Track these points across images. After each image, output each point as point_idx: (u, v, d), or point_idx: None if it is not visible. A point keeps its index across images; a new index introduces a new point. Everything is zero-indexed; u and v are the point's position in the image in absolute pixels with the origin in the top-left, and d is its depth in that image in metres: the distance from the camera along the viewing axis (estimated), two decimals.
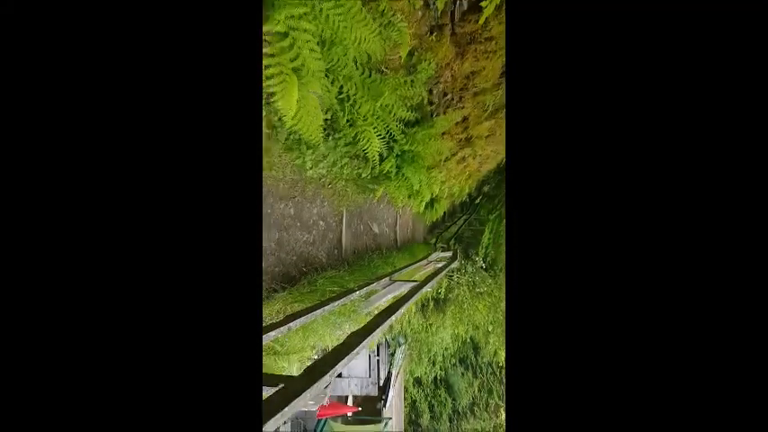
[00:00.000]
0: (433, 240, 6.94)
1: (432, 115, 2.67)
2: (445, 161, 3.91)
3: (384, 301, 2.52)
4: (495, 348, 6.22)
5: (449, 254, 5.17)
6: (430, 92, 2.56)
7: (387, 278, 2.59)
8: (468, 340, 8.05)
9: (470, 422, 13.68)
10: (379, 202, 3.56)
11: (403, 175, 2.63)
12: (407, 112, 2.27)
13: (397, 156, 2.47)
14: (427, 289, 2.56)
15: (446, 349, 7.68)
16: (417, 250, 4.71)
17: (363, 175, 2.64)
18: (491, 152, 4.62)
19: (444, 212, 9.14)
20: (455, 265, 3.89)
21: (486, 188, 6.77)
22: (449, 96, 2.72)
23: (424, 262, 3.95)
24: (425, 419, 13.05)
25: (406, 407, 12.14)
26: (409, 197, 3.75)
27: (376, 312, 2.50)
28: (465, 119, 3.13)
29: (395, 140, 2.34)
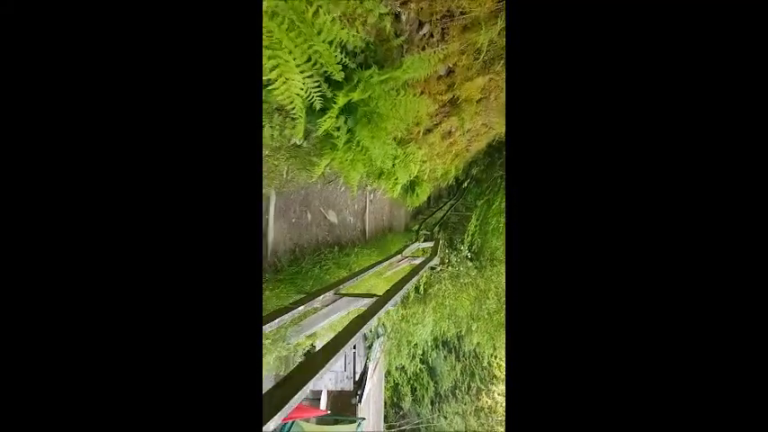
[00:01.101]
0: (416, 227, 6.09)
1: (400, 54, 1.74)
2: (425, 133, 3.00)
3: (321, 327, 1.65)
4: (478, 341, 5.50)
5: (431, 244, 4.32)
6: (396, 17, 1.62)
7: (331, 291, 1.72)
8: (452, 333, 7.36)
9: (452, 405, 13.36)
10: (337, 183, 2.64)
11: (358, 143, 1.72)
12: (355, 36, 1.34)
13: (345, 111, 1.55)
14: (389, 307, 1.69)
15: (427, 342, 7.00)
16: (391, 243, 3.82)
17: (296, 142, 1.75)
18: (482, 126, 3.72)
19: (429, 197, 8.32)
20: (435, 262, 3.04)
21: (474, 171, 5.87)
22: (426, 31, 1.79)
23: (397, 258, 3.08)
24: (407, 402, 12.67)
25: (388, 389, 11.67)
26: (380, 177, 2.85)
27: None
28: (450, 71, 2.21)
29: (335, 84, 1.42)
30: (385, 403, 11.27)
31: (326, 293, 1.70)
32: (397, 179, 2.99)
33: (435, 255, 3.10)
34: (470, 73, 2.26)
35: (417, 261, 3.12)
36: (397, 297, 1.79)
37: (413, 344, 6.38)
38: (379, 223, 4.12)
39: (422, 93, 2.30)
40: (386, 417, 11.76)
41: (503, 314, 4.78)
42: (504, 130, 3.91)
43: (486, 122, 3.44)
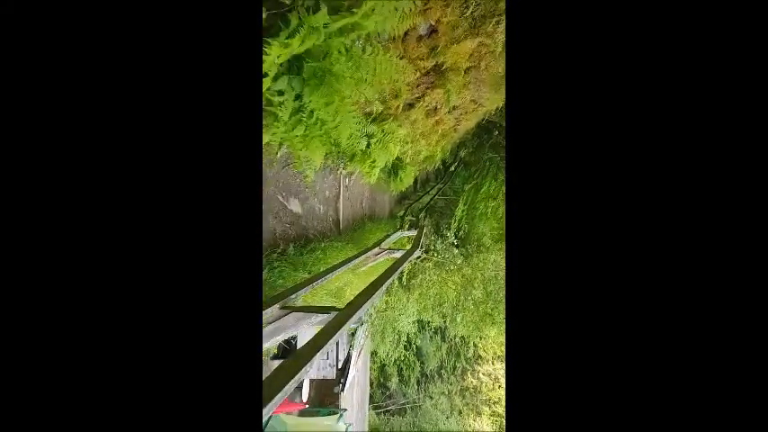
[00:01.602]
0: (401, 213, 5.72)
1: None
2: (407, 109, 2.58)
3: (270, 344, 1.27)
4: (463, 334, 5.25)
5: (416, 232, 3.96)
6: None
7: (276, 305, 1.33)
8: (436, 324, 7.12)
9: (438, 385, 13.42)
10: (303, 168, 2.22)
11: (311, 114, 1.30)
12: None
13: (291, 71, 1.12)
14: (352, 324, 1.33)
15: (411, 329, 6.74)
16: (371, 233, 3.43)
17: None
18: (470, 102, 3.31)
19: (416, 181, 7.92)
20: (417, 254, 2.67)
21: (462, 153, 5.48)
22: None
23: (375, 251, 2.70)
24: (393, 383, 12.65)
25: (374, 370, 11.59)
26: (352, 159, 2.44)
27: None
28: (432, 30, 1.78)
29: (267, 30, 0.99)
30: (371, 384, 11.20)
31: (272, 307, 1.31)
32: (374, 162, 2.58)
33: (417, 246, 2.73)
34: (456, 34, 1.84)
35: (397, 254, 2.75)
36: (368, 305, 1.43)
37: (396, 331, 6.12)
38: (358, 211, 3.72)
39: (401, 57, 1.88)
40: (372, 397, 11.74)
41: (489, 304, 4.48)
42: (495, 106, 3.50)
43: (476, 98, 3.02)
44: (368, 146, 2.31)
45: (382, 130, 2.43)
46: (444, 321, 5.42)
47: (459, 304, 4.44)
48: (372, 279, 1.72)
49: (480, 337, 5.82)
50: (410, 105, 2.55)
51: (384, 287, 1.85)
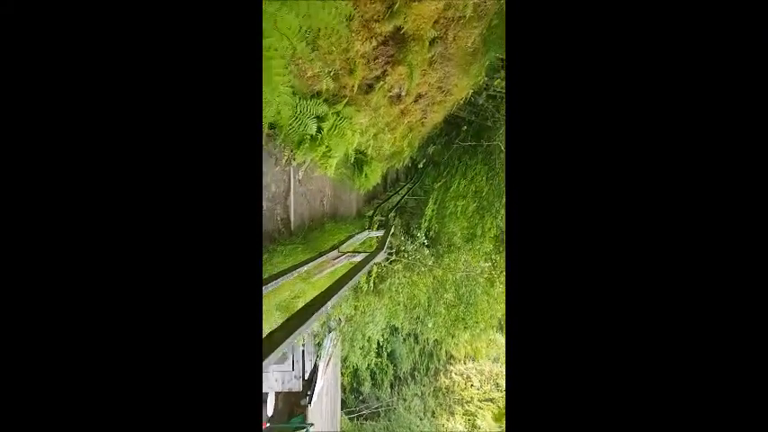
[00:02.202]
0: (370, 213, 5.34)
1: None
2: (366, 91, 2.21)
3: None
4: (435, 338, 4.94)
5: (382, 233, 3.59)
6: None
7: None
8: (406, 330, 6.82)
9: (411, 387, 13.17)
10: None
11: None
12: None
13: None
14: (303, 331, 0.95)
15: (382, 335, 6.38)
16: (330, 234, 3.02)
17: None
18: (438, 91, 2.98)
19: (386, 179, 7.57)
20: (380, 258, 2.29)
21: (431, 150, 5.17)
22: None
23: (333, 255, 2.30)
24: (367, 387, 12.28)
25: (347, 375, 11.18)
26: (300, 145, 2.03)
27: None
28: None
29: None
30: (344, 389, 10.78)
31: None
32: (329, 151, 2.19)
33: (383, 248, 2.35)
34: None
35: (358, 257, 2.36)
36: (316, 318, 1.07)
37: (366, 337, 5.74)
38: (317, 210, 3.30)
39: (350, 18, 1.50)
40: (345, 402, 11.34)
41: (461, 308, 4.18)
42: (463, 94, 3.20)
43: (443, 83, 2.69)
44: (318, 130, 1.92)
45: (337, 114, 2.04)
46: (415, 327, 5.10)
47: (431, 308, 4.12)
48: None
49: (454, 344, 5.55)
50: (369, 87, 2.18)
51: (338, 295, 1.48)
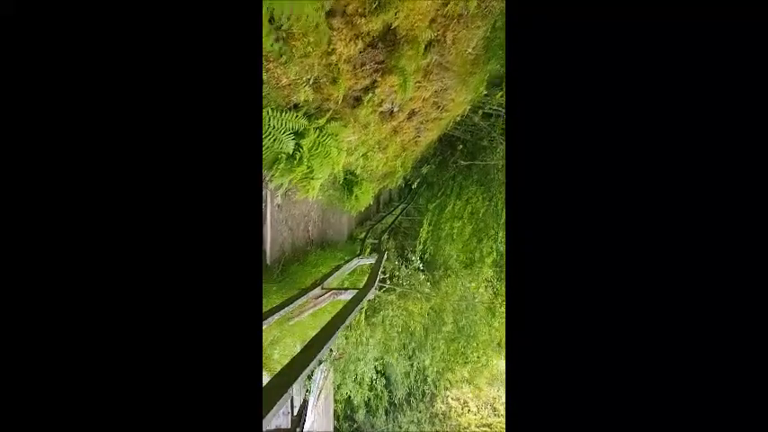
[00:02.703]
0: (361, 236, 4.98)
1: None
2: (353, 105, 1.91)
3: None
4: (433, 377, 4.51)
5: (372, 261, 3.23)
6: None
7: None
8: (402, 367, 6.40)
9: (407, 414, 12.54)
10: None
11: None
12: None
13: None
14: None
15: (375, 369, 5.92)
16: (312, 267, 2.64)
17: None
18: (433, 107, 2.69)
19: (379, 200, 7.26)
20: (371, 296, 1.93)
21: (425, 170, 4.89)
22: None
23: (315, 293, 1.93)
24: (361, 415, 11.62)
25: (341, 402, 10.57)
26: (275, 165, 1.69)
27: None
28: None
29: None
30: (337, 416, 10.16)
31: None
32: (311, 172, 1.86)
33: (373, 282, 1.99)
34: None
35: (344, 296, 1.99)
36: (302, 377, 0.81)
37: (360, 370, 5.31)
38: (300, 237, 2.94)
39: (330, 12, 1.20)
40: (339, 429, 10.71)
41: (462, 342, 3.77)
42: (461, 110, 2.92)
43: (439, 99, 2.40)
44: (297, 148, 1.59)
45: (319, 129, 1.72)
46: (411, 364, 4.68)
47: (428, 342, 3.71)
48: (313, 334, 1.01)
49: (451, 382, 5.13)
50: (357, 99, 1.88)
51: (327, 346, 1.18)
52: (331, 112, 1.71)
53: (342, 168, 2.41)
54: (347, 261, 2.86)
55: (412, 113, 2.76)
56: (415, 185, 5.08)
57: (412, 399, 12.49)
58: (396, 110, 2.54)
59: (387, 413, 12.56)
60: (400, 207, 6.14)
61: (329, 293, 2.00)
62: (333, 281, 2.09)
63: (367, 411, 11.73)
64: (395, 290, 3.92)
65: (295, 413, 5.78)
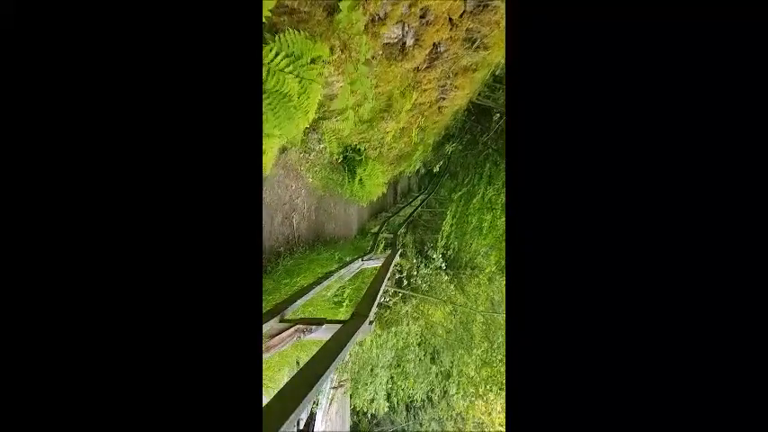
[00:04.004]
0: (374, 230, 4.11)
1: None
2: (330, 12, 1.03)
3: None
4: (460, 410, 3.64)
5: (381, 259, 2.36)
6: None
7: None
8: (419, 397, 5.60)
9: (428, 412, 11.81)
10: None
11: None
12: None
13: None
14: None
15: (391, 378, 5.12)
16: (277, 284, 1.78)
17: None
18: (466, 42, 1.74)
19: (396, 190, 6.37)
20: (362, 336, 1.06)
21: (449, 148, 3.92)
22: None
23: (273, 329, 1.10)
24: (381, 410, 11.00)
25: (358, 399, 9.97)
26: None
27: None
28: None
29: None
30: (357, 412, 9.58)
31: None
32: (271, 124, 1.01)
33: (367, 314, 1.12)
34: None
35: (317, 333, 1.13)
36: None
37: (373, 376, 4.55)
38: (276, 232, 2.09)
39: None
40: (358, 424, 10.18)
41: (495, 366, 2.82)
42: (501, 55, 1.97)
43: (475, 27, 1.47)
44: None
45: (277, 49, 0.85)
46: (430, 399, 3.82)
47: (454, 367, 2.82)
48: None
49: (488, 412, 4.24)
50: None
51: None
52: (299, 22, 0.83)
53: (338, 138, 1.53)
54: (342, 266, 1.99)
55: (435, 53, 1.84)
56: (437, 169, 4.11)
57: (433, 395, 11.72)
58: (411, 42, 1.63)
59: (407, 409, 11.83)
60: (420, 197, 5.22)
61: (292, 329, 1.14)
62: (300, 306, 1.23)
63: (388, 407, 11.06)
64: (413, 298, 3.03)
65: (301, 428, 5.08)
